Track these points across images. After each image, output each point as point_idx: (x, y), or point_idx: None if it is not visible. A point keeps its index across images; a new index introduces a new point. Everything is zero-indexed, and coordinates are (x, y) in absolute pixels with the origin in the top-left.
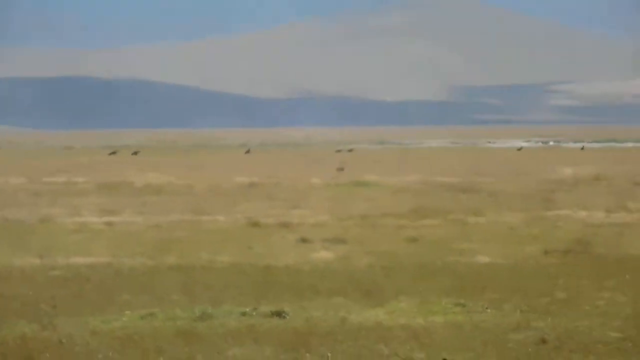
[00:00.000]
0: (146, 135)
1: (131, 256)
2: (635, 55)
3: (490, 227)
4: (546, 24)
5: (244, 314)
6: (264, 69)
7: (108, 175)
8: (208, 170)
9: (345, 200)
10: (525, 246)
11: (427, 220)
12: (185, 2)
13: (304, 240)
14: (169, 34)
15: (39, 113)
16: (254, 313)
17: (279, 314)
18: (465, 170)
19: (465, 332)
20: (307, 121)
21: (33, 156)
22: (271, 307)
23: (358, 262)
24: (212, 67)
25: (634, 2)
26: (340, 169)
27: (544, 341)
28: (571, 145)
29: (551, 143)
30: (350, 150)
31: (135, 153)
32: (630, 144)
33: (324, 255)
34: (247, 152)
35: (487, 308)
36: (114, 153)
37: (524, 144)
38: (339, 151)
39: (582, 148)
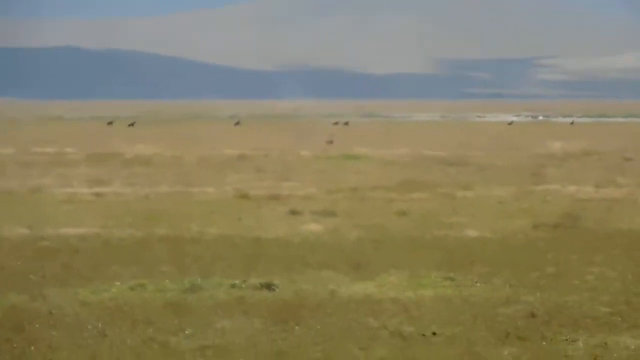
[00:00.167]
0: (134, 106)
1: (120, 227)
2: (623, 30)
3: (480, 201)
4: None
5: (233, 286)
6: (250, 40)
7: (98, 147)
8: (197, 141)
9: (335, 173)
10: (514, 220)
11: (417, 193)
12: None
13: (293, 213)
14: (156, 6)
15: (27, 82)
16: (244, 285)
17: (268, 287)
18: (455, 144)
19: (454, 305)
20: (295, 94)
21: (22, 126)
22: (260, 280)
23: (348, 235)
24: (198, 39)
25: None
26: (330, 142)
27: (533, 315)
28: (560, 120)
29: (540, 118)
30: (346, 123)
31: (131, 124)
32: (620, 119)
33: (313, 227)
34: (237, 124)
35: (476, 282)
36: (111, 123)
37: (514, 119)
38: (335, 124)
39: (572, 123)
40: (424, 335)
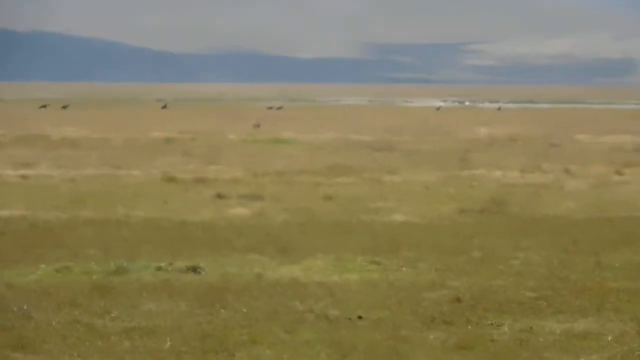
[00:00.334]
0: (58, 88)
1: (46, 210)
2: (551, 16)
3: (406, 186)
4: None
5: (159, 268)
6: (176, 22)
7: (25, 129)
8: (124, 124)
9: (262, 157)
10: (440, 205)
11: (343, 178)
12: None
13: (220, 196)
14: None
15: None
16: (170, 268)
17: (194, 269)
18: (382, 129)
19: (380, 290)
20: (220, 78)
21: None
22: (187, 263)
23: (274, 219)
24: (124, 20)
25: None
26: (257, 126)
27: (458, 300)
28: (488, 105)
29: (467, 103)
30: (279, 108)
31: (64, 107)
32: (546, 105)
33: (240, 211)
34: (164, 107)
35: (402, 266)
36: (44, 107)
37: (442, 104)
38: (270, 108)
39: (499, 108)
40: (349, 319)
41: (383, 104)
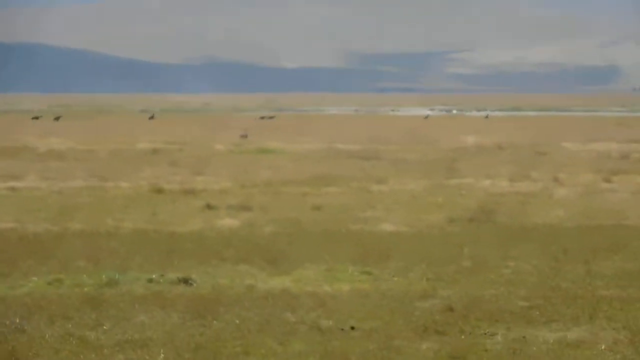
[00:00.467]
0: (39, 99)
1: (36, 222)
2: (535, 24)
3: (394, 196)
4: None
5: (150, 280)
6: (159, 33)
7: (8, 140)
8: (110, 136)
9: (250, 167)
10: (429, 214)
11: (331, 187)
12: None
13: (208, 207)
14: None
15: None
16: (161, 280)
17: (185, 281)
18: (368, 138)
19: (372, 300)
20: (202, 88)
21: None
22: (178, 274)
23: (263, 229)
24: (104, 31)
25: None
26: (244, 136)
27: (451, 309)
28: (475, 113)
29: (454, 112)
30: (271, 117)
31: (57, 118)
32: (532, 113)
33: (229, 222)
34: (151, 117)
35: (393, 276)
36: (36, 118)
37: (429, 112)
38: (262, 118)
39: (487, 117)
40: (342, 329)
41: (369, 113)
